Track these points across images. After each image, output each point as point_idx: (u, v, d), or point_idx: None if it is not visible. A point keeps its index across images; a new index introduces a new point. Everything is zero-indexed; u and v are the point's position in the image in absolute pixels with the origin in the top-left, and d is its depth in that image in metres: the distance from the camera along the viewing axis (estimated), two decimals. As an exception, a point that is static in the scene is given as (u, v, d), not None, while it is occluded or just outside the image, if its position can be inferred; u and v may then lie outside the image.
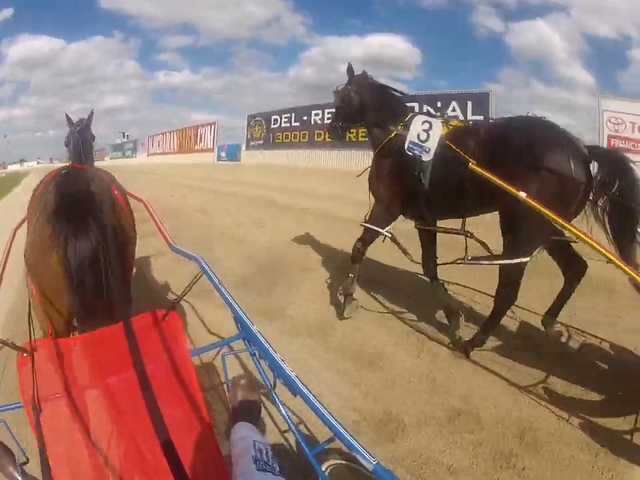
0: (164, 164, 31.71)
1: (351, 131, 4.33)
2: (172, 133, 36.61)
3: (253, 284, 4.80)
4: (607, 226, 2.83)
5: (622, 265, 2.42)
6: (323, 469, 1.56)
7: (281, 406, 1.96)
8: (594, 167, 2.89)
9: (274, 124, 25.09)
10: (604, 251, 2.47)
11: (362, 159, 4.27)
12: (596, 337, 3.45)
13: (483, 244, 3.49)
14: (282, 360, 1.89)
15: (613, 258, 2.45)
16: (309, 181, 14.92)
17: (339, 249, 6.08)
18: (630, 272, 2.41)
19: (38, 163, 57.36)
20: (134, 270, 3.04)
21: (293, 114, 23.86)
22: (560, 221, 2.61)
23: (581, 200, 2.91)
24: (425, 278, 4.10)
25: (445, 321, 3.73)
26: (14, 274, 4.95)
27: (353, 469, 1.52)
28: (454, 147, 3.22)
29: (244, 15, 67.23)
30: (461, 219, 3.55)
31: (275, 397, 1.98)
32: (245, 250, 6.45)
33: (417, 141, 3.41)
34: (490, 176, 2.89)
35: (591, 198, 2.89)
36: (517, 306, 3.50)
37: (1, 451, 1.64)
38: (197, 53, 70.82)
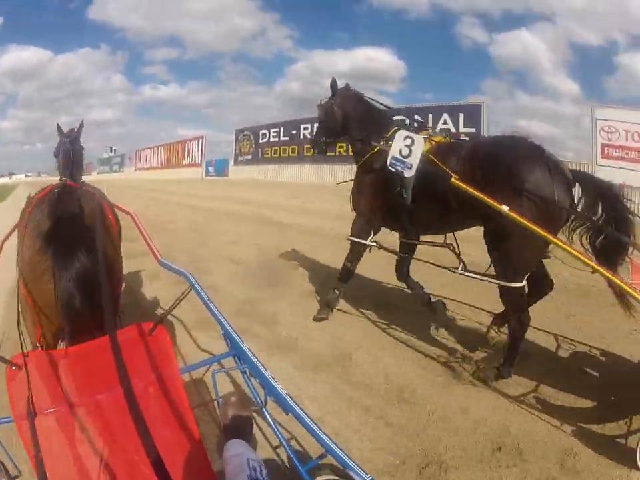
0: (152, 179, 31.64)
1: (340, 145, 4.38)
2: (159, 148, 36.76)
3: (256, 311, 4.59)
4: (592, 250, 2.86)
5: (608, 275, 2.50)
6: None
7: (272, 423, 1.97)
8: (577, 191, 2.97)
9: (262, 138, 25.26)
10: (590, 262, 2.54)
11: (352, 174, 4.34)
12: (586, 344, 3.55)
13: (460, 259, 3.53)
14: (273, 377, 1.90)
15: (598, 268, 2.52)
16: (301, 197, 14.96)
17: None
18: (617, 281, 2.50)
19: (26, 176, 57.80)
20: (123, 285, 3.04)
21: (282, 128, 24.05)
22: (544, 233, 2.64)
23: (563, 223, 2.95)
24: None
25: (465, 349, 3.58)
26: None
27: None
28: (436, 162, 3.24)
29: (230, 28, 68.79)
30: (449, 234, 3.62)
31: (266, 414, 1.99)
32: (243, 271, 6.31)
33: (398, 156, 3.43)
34: (472, 190, 2.92)
35: (571, 222, 2.94)
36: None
37: None
38: (183, 67, 72.08)
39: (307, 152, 21.39)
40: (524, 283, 3.02)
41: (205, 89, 72.98)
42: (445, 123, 17.45)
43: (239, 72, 70.25)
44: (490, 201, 2.82)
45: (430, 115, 17.73)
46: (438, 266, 3.67)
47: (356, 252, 4.09)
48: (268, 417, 1.99)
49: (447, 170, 3.12)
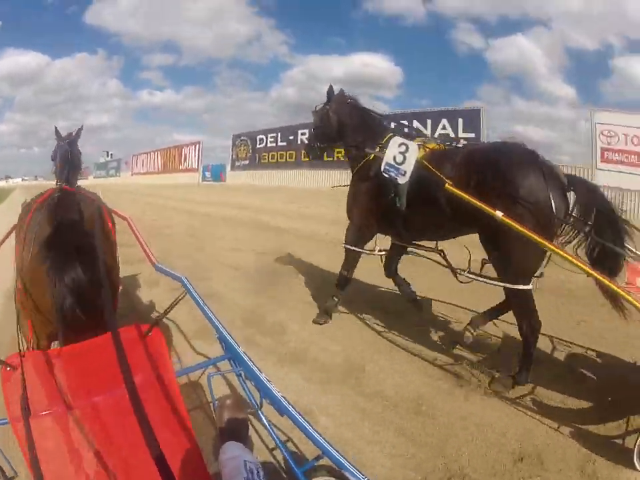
0: (148, 184, 31.66)
1: (339, 150, 4.43)
2: (156, 153, 36.80)
3: (262, 320, 4.51)
4: (588, 259, 2.90)
5: (602, 279, 2.54)
6: None
7: (268, 425, 1.99)
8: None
9: (259, 144, 25.32)
10: (584, 267, 2.58)
11: (349, 179, 4.37)
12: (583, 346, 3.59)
13: (450, 266, 3.64)
14: (268, 380, 1.92)
15: (592, 272, 2.55)
16: (298, 202, 15.07)
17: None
18: (611, 285, 2.52)
19: (23, 180, 58.02)
20: (120, 288, 3.07)
21: (279, 133, 24.08)
22: (537, 239, 2.66)
23: (559, 228, 2.98)
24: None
25: (479, 357, 3.53)
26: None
27: None
28: (430, 168, 3.27)
29: (226, 34, 69.09)
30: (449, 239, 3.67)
31: (262, 416, 2.01)
32: (243, 278, 6.23)
33: (393, 163, 3.48)
34: (465, 196, 2.96)
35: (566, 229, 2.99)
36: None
37: None
38: (179, 72, 72.51)
39: (304, 157, 21.40)
40: (531, 285, 3.01)
41: (201, 95, 73.67)
42: (444, 128, 17.47)
43: (235, 78, 70.95)
44: (484, 206, 2.86)
45: (429, 120, 17.79)
46: (447, 266, 3.70)
47: (351, 259, 4.14)
48: (264, 419, 2.01)
49: (441, 176, 3.16)
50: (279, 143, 23.95)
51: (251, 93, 70.49)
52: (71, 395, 1.85)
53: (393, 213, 3.61)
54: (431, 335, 3.99)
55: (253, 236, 9.44)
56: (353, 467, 1.48)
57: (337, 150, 4.57)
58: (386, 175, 3.50)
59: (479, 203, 2.89)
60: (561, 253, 2.65)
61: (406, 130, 4.07)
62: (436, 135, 17.35)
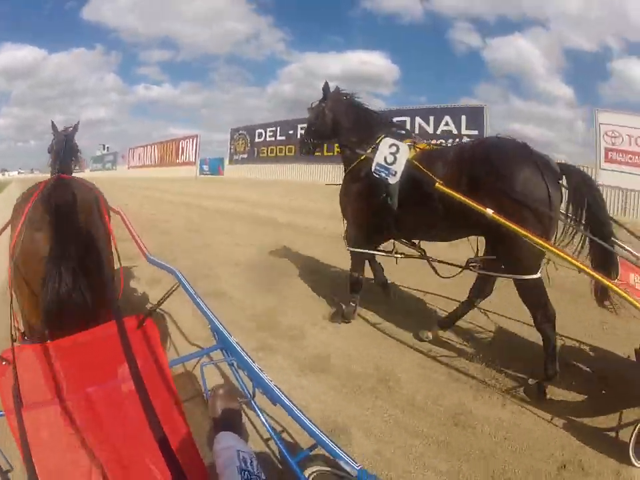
0: (145, 177, 31.57)
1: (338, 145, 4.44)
2: (153, 146, 36.74)
3: (276, 322, 4.38)
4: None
5: (594, 274, 2.58)
6: (306, 475, 1.59)
7: (261, 414, 2.00)
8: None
9: (258, 138, 25.30)
10: (576, 262, 2.61)
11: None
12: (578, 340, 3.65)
13: (433, 267, 3.74)
14: (260, 369, 1.95)
15: (584, 268, 2.59)
16: (297, 196, 15.16)
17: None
18: (604, 281, 2.57)
19: (19, 173, 58.07)
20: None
21: (278, 128, 24.06)
22: (529, 235, 2.70)
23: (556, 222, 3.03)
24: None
25: (510, 362, 3.43)
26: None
27: (337, 474, 1.56)
28: (421, 168, 3.34)
29: (224, 31, 69.29)
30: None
31: (255, 405, 2.02)
32: (247, 275, 6.08)
33: (383, 163, 3.54)
34: (455, 194, 3.02)
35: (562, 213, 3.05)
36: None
37: None
38: (176, 68, 72.19)
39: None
40: (539, 274, 3.03)
41: (198, 90, 73.36)
42: (447, 124, 17.46)
43: (233, 74, 70.66)
44: (474, 204, 2.90)
45: (431, 117, 17.79)
46: (451, 264, 3.67)
47: (358, 260, 4.16)
48: (257, 408, 2.02)
49: (432, 175, 3.22)
50: (278, 137, 23.93)
51: (248, 88, 70.46)
52: (66, 387, 1.86)
53: (384, 212, 3.66)
54: (459, 340, 3.88)
55: (252, 230, 9.47)
56: (347, 456, 1.50)
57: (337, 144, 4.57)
58: (377, 175, 3.56)
59: (469, 201, 2.93)
60: (553, 249, 2.69)
61: (402, 132, 4.05)
62: (438, 132, 17.49)
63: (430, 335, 3.74)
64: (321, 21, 73.28)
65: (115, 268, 2.91)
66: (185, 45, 79.38)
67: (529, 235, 2.69)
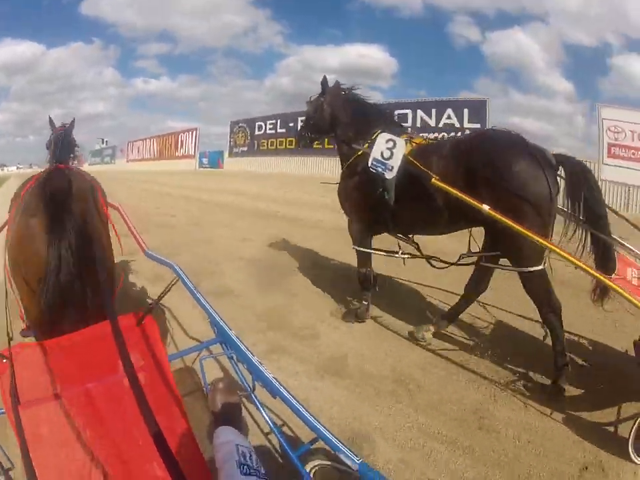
0: (144, 171, 31.48)
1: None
2: (152, 139, 36.70)
3: (287, 321, 4.29)
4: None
5: (590, 270, 2.57)
6: (307, 469, 1.61)
7: (261, 408, 2.01)
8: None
9: (258, 130, 25.26)
10: (570, 258, 2.59)
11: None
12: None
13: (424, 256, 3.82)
14: (260, 362, 1.96)
15: (579, 264, 2.58)
16: (298, 189, 14.99)
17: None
18: (600, 277, 2.56)
19: (18, 168, 58.27)
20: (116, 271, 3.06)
21: (279, 120, 24.01)
22: (525, 231, 2.70)
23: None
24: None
25: (527, 361, 3.39)
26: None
27: (339, 469, 1.57)
28: (416, 164, 3.36)
29: (221, 24, 69.50)
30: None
31: (255, 399, 2.03)
32: (253, 271, 5.92)
33: (380, 158, 3.55)
34: (452, 190, 3.03)
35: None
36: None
37: None
38: (174, 61, 72.69)
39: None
40: (543, 266, 3.04)
41: (196, 83, 73.67)
42: (449, 118, 17.44)
43: (230, 67, 71.13)
44: (470, 199, 2.91)
45: (433, 110, 17.76)
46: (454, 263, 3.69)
47: (364, 257, 4.14)
48: (257, 402, 2.03)
49: (428, 171, 3.23)
50: (278, 130, 23.89)
51: (245, 81, 70.84)
52: (66, 383, 1.88)
53: (381, 207, 3.68)
54: (472, 338, 3.81)
55: (252, 223, 9.46)
56: (349, 449, 1.51)
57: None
58: (373, 171, 3.58)
59: (464, 197, 2.94)
60: (549, 245, 2.69)
61: (399, 127, 4.09)
62: (441, 125, 17.46)
63: (426, 335, 3.72)
64: (319, 14, 73.52)
65: (115, 260, 2.92)
66: (183, 38, 79.90)
67: (525, 231, 2.70)
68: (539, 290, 3.08)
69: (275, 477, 1.56)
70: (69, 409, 1.79)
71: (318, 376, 3.33)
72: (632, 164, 12.30)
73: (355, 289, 4.43)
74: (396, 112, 18.43)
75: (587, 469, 2.43)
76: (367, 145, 3.78)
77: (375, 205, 3.73)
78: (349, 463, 1.48)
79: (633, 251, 3.17)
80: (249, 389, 2.06)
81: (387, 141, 3.58)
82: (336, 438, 1.54)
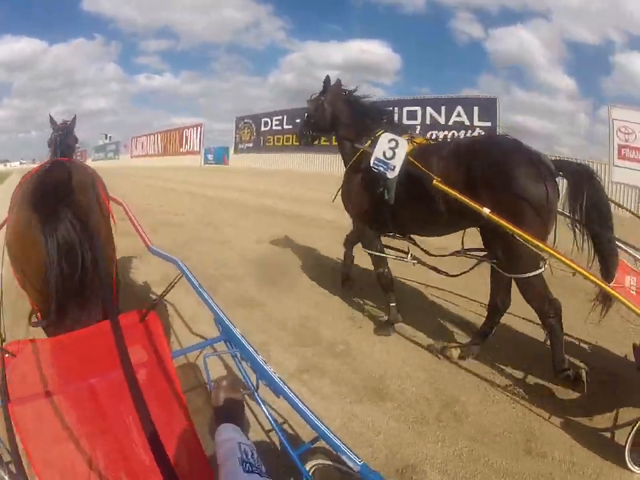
0: (148, 167, 31.69)
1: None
2: (156, 135, 36.77)
3: (316, 335, 4.09)
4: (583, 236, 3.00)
5: (589, 275, 2.57)
6: (307, 468, 1.63)
7: (264, 407, 2.03)
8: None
9: (264, 126, 25.27)
10: (570, 263, 2.60)
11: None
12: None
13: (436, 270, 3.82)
14: (264, 361, 1.97)
15: (579, 269, 2.59)
16: (307, 186, 14.92)
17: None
18: (600, 283, 2.59)
19: (20, 163, 58.81)
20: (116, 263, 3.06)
21: (285, 116, 23.99)
22: (525, 236, 2.72)
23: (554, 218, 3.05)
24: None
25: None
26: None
27: (339, 469, 1.59)
28: (418, 165, 3.38)
29: (223, 20, 70.23)
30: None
31: (258, 397, 2.05)
32: (277, 278, 5.65)
33: (382, 158, 3.58)
34: (452, 192, 3.05)
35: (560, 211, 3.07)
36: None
37: None
38: (177, 57, 73.26)
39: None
40: (541, 269, 3.07)
41: (198, 79, 74.38)
42: (459, 115, 17.39)
43: (233, 63, 71.82)
44: (470, 202, 2.94)
45: (443, 107, 17.72)
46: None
47: (377, 257, 4.12)
48: (259, 400, 2.05)
49: (429, 173, 3.25)
50: (285, 126, 23.87)
51: (248, 77, 71.41)
52: (69, 379, 1.91)
53: (382, 206, 3.71)
54: (506, 355, 3.61)
55: (263, 223, 9.36)
56: (350, 450, 1.52)
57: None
58: (375, 170, 3.60)
59: (465, 199, 2.97)
60: (547, 248, 2.71)
61: (399, 127, 4.09)
62: (450, 123, 17.42)
63: (454, 353, 3.57)
64: (321, 9, 73.63)
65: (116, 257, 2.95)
66: (184, 33, 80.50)
67: (524, 235, 2.73)
68: (535, 294, 3.11)
69: (274, 475, 1.57)
70: (72, 404, 1.81)
71: (356, 399, 3.15)
72: (643, 165, 12.23)
73: (376, 295, 4.41)
74: (405, 109, 18.57)
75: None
76: (369, 143, 3.81)
77: (376, 205, 3.76)
78: (350, 464, 1.48)
79: (634, 256, 3.20)
80: (253, 388, 2.08)
81: (390, 141, 3.62)
82: (338, 438, 1.56)
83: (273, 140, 24.68)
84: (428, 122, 17.92)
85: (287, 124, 23.75)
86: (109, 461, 1.69)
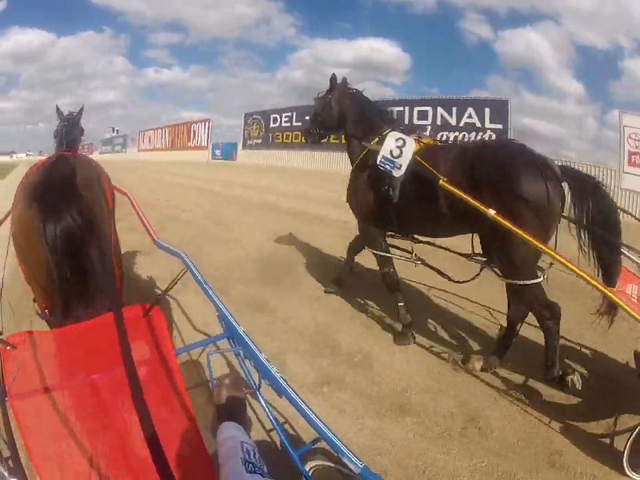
0: (155, 161, 31.73)
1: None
2: (164, 129, 36.96)
3: (335, 344, 3.91)
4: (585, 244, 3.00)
5: (593, 281, 2.57)
6: (307, 469, 1.63)
7: (265, 406, 2.04)
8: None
9: (273, 123, 25.32)
10: (573, 267, 2.61)
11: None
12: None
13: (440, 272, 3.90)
14: (267, 360, 1.97)
15: (581, 273, 2.59)
16: (325, 188, 14.24)
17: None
18: (602, 288, 2.58)
19: (27, 155, 59.40)
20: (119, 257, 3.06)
21: (295, 113, 24.03)
22: (532, 240, 2.73)
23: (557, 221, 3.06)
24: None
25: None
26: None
27: (340, 471, 1.60)
28: (424, 164, 3.39)
29: (234, 15, 71.31)
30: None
31: (260, 397, 2.06)
32: (292, 281, 5.41)
33: (389, 156, 3.60)
34: (459, 192, 3.06)
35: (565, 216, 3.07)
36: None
37: None
38: (186, 51, 74.00)
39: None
40: (542, 278, 3.10)
41: (207, 74, 74.68)
42: (470, 117, 17.38)
43: (242, 58, 71.88)
44: (477, 203, 2.95)
45: (454, 108, 17.71)
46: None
47: (382, 258, 4.13)
48: (261, 399, 2.06)
49: (435, 172, 3.27)
50: (294, 123, 23.89)
51: (257, 73, 72.01)
52: (72, 373, 1.91)
53: (386, 204, 3.73)
54: (526, 365, 3.47)
55: (274, 221, 9.18)
56: (351, 452, 1.52)
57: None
58: (381, 168, 3.62)
59: (472, 200, 2.97)
60: (552, 253, 2.71)
61: (405, 127, 4.08)
62: (461, 124, 17.40)
63: (477, 365, 3.49)
64: (331, 7, 73.78)
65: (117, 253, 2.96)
66: (193, 27, 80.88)
67: (529, 238, 2.73)
68: (537, 299, 3.13)
69: (274, 475, 1.57)
70: (73, 400, 1.81)
71: (379, 414, 3.02)
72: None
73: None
74: (416, 109, 18.56)
75: None
76: (376, 141, 3.82)
77: (381, 203, 3.78)
78: (351, 466, 1.49)
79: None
80: (255, 387, 2.09)
81: (397, 139, 3.64)
82: (339, 439, 1.57)
83: (282, 136, 24.71)
84: (439, 122, 17.93)
85: (296, 121, 23.79)
86: (109, 457, 1.69)
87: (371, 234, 4.11)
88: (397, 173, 3.55)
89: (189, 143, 32.69)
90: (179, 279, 2.36)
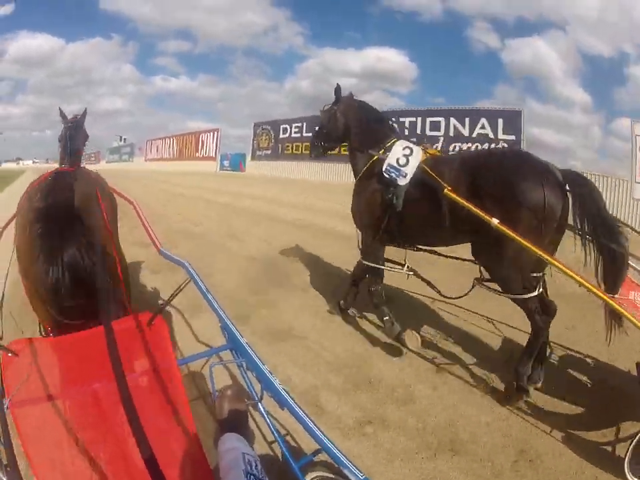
0: (163, 171, 31.84)
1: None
2: (171, 138, 37.14)
3: (375, 379, 3.69)
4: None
5: (593, 288, 2.62)
6: None
7: (267, 417, 2.06)
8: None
9: (283, 133, 25.33)
10: (575, 276, 2.65)
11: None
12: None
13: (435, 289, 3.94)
14: (270, 372, 2.00)
15: (583, 282, 2.63)
16: (328, 197, 14.36)
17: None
18: (604, 297, 2.61)
19: (34, 162, 59.91)
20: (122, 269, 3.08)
21: (305, 123, 24.01)
22: (534, 249, 2.78)
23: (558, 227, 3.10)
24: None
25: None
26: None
27: None
28: (430, 173, 3.45)
29: (242, 23, 72.30)
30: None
31: (262, 408, 2.08)
32: (317, 305, 5.19)
33: (395, 164, 3.68)
34: (463, 202, 3.11)
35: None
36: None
37: None
38: (194, 60, 74.78)
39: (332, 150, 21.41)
40: (537, 291, 3.17)
41: (216, 83, 75.47)
42: (483, 127, 17.33)
43: (250, 67, 72.76)
44: (480, 212, 3.00)
45: (467, 119, 17.67)
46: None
47: (374, 273, 4.19)
48: (263, 411, 2.08)
49: (440, 181, 3.32)
50: (304, 134, 23.89)
51: (265, 83, 72.82)
52: (73, 382, 1.95)
53: (390, 214, 3.78)
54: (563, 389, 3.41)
55: (292, 236, 8.72)
56: (352, 464, 1.54)
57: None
58: (387, 176, 3.68)
59: (474, 208, 3.03)
60: (553, 261, 2.78)
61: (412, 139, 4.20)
62: (474, 135, 17.37)
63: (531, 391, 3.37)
64: (340, 16, 74.20)
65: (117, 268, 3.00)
66: (202, 35, 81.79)
67: (531, 246, 2.79)
68: (528, 310, 3.19)
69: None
70: (74, 409, 1.85)
71: (429, 455, 2.88)
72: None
73: (421, 322, 4.32)
74: (428, 119, 18.57)
75: None
76: (382, 152, 3.87)
77: (384, 212, 3.82)
78: (352, 477, 1.50)
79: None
80: (257, 398, 2.11)
81: (404, 148, 3.72)
82: (340, 451, 1.58)
83: (292, 147, 24.72)
84: (451, 133, 17.88)
85: (306, 131, 23.74)
86: (109, 466, 1.72)
87: (373, 247, 4.14)
88: (402, 182, 3.61)
89: (197, 153, 32.80)
90: (182, 289, 2.39)
